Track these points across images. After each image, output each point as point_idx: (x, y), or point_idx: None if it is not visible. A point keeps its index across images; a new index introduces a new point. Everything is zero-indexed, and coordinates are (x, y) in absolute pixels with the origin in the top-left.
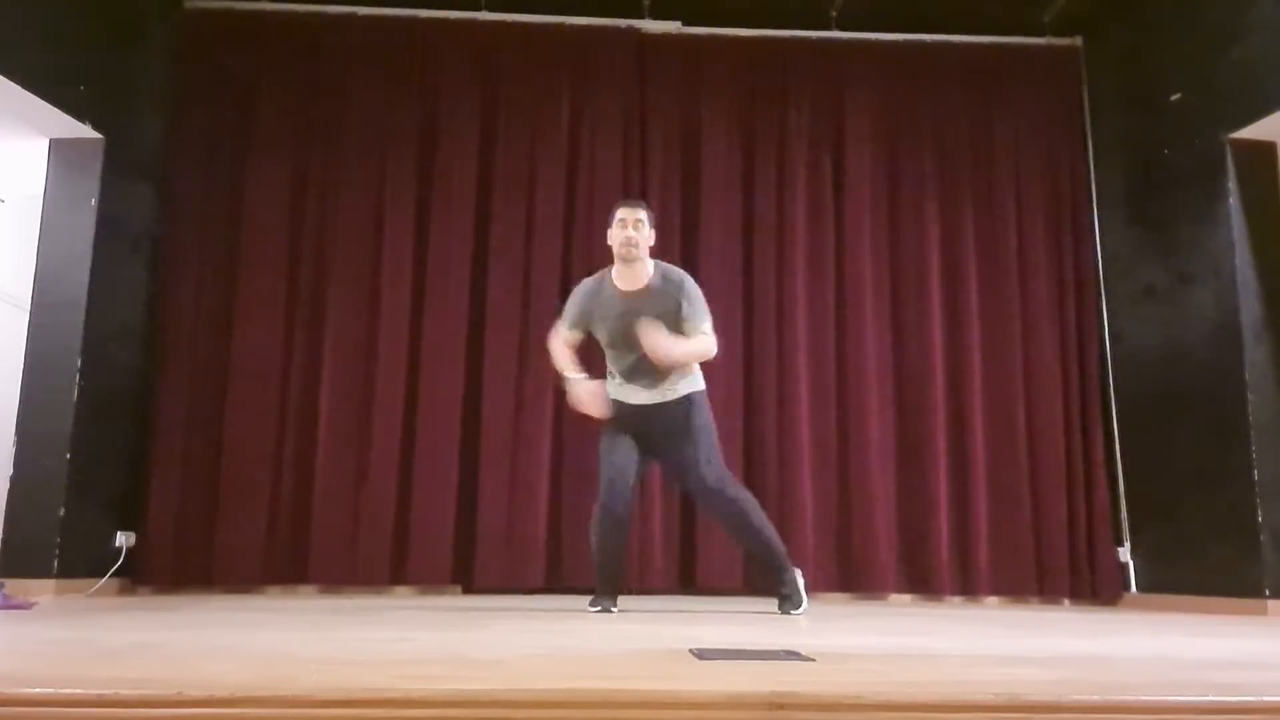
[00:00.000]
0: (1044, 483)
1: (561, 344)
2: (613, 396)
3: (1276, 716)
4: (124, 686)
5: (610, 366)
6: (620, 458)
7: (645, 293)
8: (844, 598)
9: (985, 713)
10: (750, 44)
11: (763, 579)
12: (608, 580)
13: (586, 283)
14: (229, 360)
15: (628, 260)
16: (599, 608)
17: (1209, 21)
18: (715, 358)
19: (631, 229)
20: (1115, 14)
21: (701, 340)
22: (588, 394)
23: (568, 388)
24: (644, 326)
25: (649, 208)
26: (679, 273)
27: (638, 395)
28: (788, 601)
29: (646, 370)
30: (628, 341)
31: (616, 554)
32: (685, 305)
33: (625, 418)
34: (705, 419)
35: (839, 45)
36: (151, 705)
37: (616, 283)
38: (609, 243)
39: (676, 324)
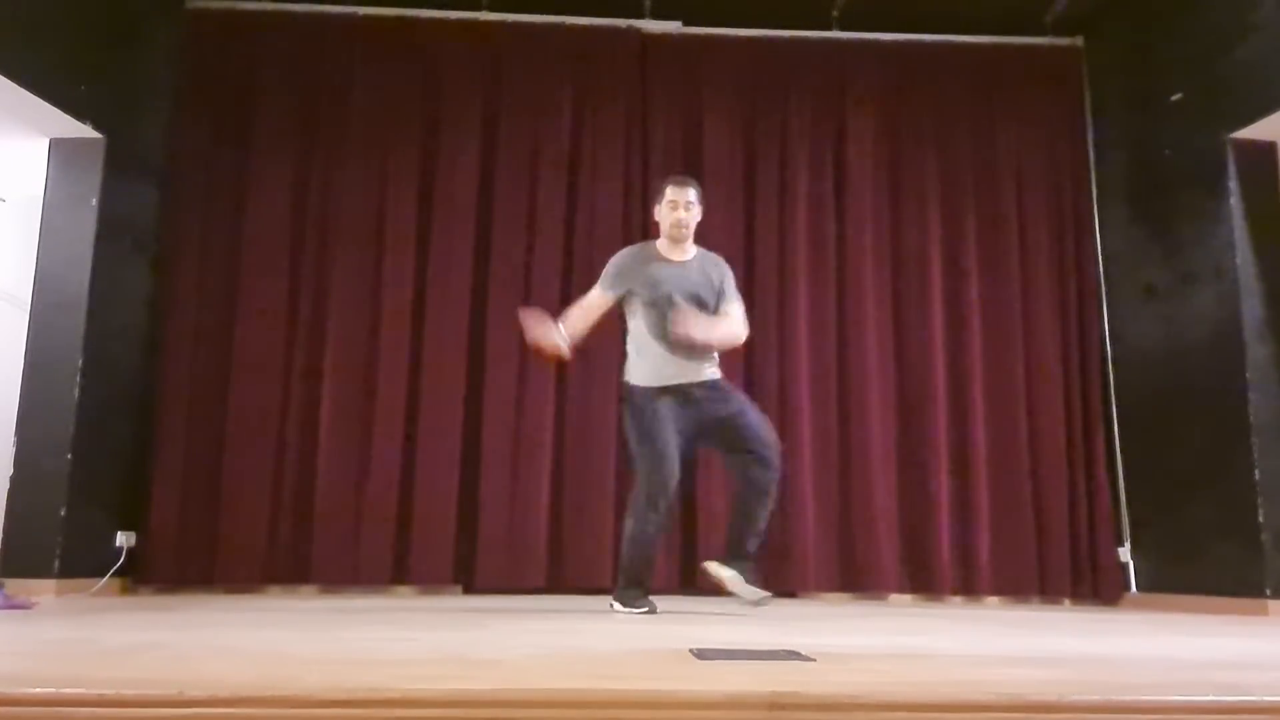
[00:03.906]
0: (1045, 482)
1: (586, 305)
2: (649, 384)
3: (1276, 717)
4: (125, 686)
5: (649, 338)
6: (673, 450)
7: (692, 263)
8: (844, 598)
9: (985, 713)
10: (751, 44)
11: (736, 555)
12: (646, 576)
13: (629, 250)
14: (230, 360)
15: (677, 240)
16: (645, 608)
17: (1210, 21)
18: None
19: (683, 210)
20: (1116, 14)
21: (732, 320)
22: (547, 337)
23: (537, 331)
24: (678, 312)
25: (698, 185)
26: (717, 256)
27: (674, 370)
28: (754, 585)
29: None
30: (677, 305)
31: (657, 547)
32: (726, 285)
33: (669, 400)
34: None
35: (840, 45)
36: (152, 705)
37: (664, 253)
38: (655, 219)
39: (715, 299)
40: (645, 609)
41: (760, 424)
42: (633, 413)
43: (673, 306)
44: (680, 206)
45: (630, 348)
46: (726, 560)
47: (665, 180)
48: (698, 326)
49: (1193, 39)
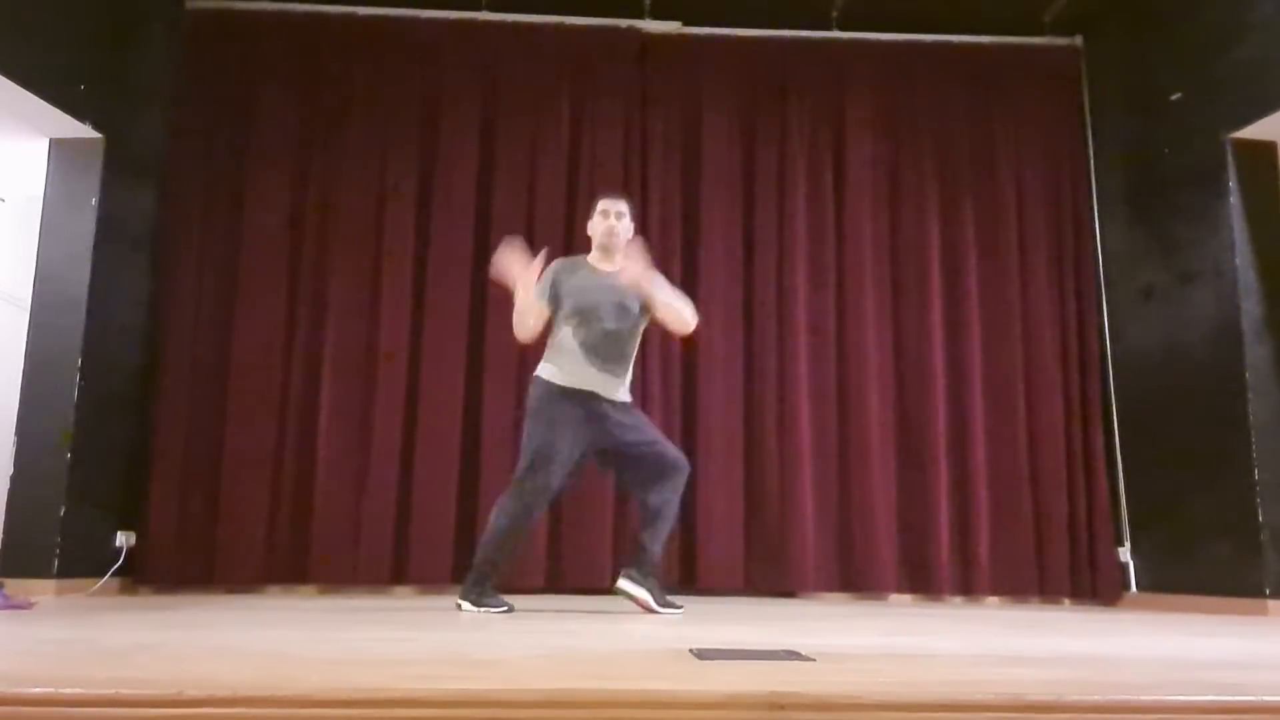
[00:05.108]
0: (1044, 482)
1: (525, 303)
2: (563, 384)
3: (1276, 716)
4: (124, 686)
5: (573, 344)
6: (563, 463)
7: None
8: (844, 597)
9: (985, 713)
10: (750, 44)
11: (637, 568)
12: (498, 573)
13: (560, 260)
14: (229, 359)
15: (609, 250)
16: (505, 607)
17: (1209, 21)
18: (716, 354)
19: (614, 218)
20: (1115, 14)
21: (681, 298)
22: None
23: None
24: (630, 262)
25: (630, 200)
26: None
27: (596, 382)
28: (661, 597)
29: (615, 354)
30: (604, 320)
31: (518, 548)
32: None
33: (575, 405)
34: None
35: (839, 45)
36: (152, 705)
37: (594, 264)
38: (589, 232)
39: (649, 304)
40: (504, 609)
41: (670, 452)
42: (535, 410)
43: (600, 321)
44: (611, 215)
45: (550, 349)
46: (637, 578)
47: (598, 195)
48: (642, 274)
49: (1192, 39)
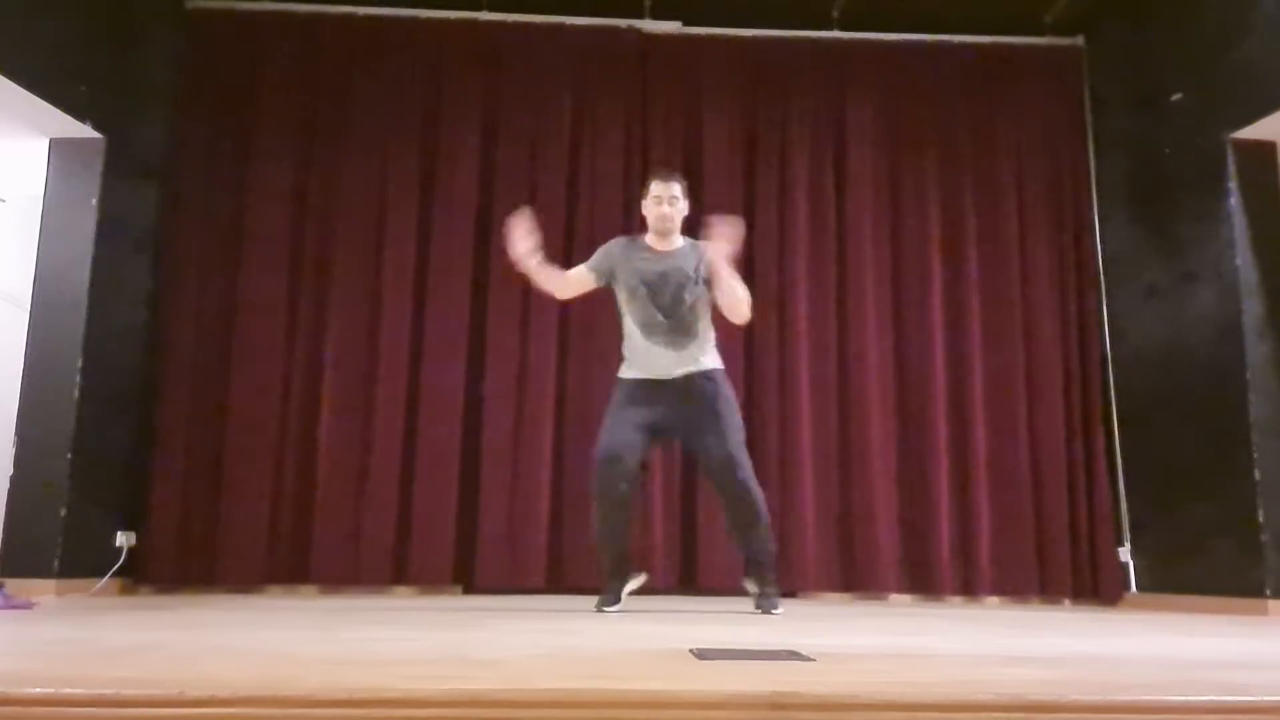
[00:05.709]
0: (1045, 482)
1: (568, 274)
2: (630, 376)
3: (1276, 717)
4: (125, 686)
5: (633, 329)
6: (624, 435)
7: (679, 253)
8: (844, 598)
9: (985, 713)
10: (751, 44)
11: (751, 576)
12: (616, 574)
13: (619, 239)
14: (230, 360)
15: (663, 234)
16: (615, 604)
17: (1210, 21)
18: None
19: (667, 205)
20: (1116, 14)
21: (743, 288)
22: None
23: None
24: (721, 230)
25: (682, 179)
26: (705, 243)
27: (660, 363)
28: (768, 600)
29: (676, 330)
30: (659, 296)
31: (620, 541)
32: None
33: (643, 394)
34: (732, 396)
35: (840, 45)
36: (152, 705)
37: (651, 245)
38: (644, 213)
39: (702, 280)
40: (614, 605)
41: (724, 443)
42: (615, 400)
43: (656, 301)
44: (664, 201)
45: (623, 345)
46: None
47: (650, 174)
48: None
49: (1193, 39)
